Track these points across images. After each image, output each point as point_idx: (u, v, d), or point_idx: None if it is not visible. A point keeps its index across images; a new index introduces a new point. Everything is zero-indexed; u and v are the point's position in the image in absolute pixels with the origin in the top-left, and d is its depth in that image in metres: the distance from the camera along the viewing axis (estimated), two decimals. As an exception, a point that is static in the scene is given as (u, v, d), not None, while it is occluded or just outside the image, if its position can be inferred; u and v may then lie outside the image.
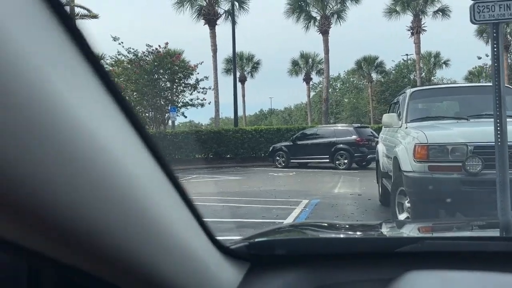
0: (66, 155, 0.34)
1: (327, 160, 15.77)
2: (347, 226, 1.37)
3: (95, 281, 0.49)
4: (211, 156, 20.18)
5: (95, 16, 22.05)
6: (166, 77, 21.07)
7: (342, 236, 1.23)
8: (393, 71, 42.24)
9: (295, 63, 40.16)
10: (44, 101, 0.32)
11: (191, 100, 21.84)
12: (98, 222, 0.39)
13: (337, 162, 15.59)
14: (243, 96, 40.68)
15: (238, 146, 20.02)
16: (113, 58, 20.85)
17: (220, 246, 0.72)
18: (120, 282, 0.50)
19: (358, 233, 1.33)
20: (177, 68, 20.78)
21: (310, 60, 39.41)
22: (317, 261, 0.86)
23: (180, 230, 0.55)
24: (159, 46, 20.56)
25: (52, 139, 0.33)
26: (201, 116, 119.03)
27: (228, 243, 0.80)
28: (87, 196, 0.37)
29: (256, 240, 0.95)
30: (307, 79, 40.15)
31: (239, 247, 0.83)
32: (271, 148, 17.94)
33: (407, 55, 41.20)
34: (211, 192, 10.03)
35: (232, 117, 24.11)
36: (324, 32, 27.46)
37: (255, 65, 40.63)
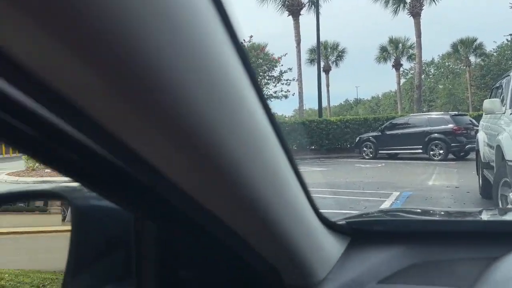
0: (252, 141, 0.43)
1: (420, 151, 14.88)
2: (442, 212, 1.29)
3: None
4: (295, 148, 20.17)
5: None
6: (251, 70, 21.45)
7: (440, 217, 1.19)
8: (494, 53, 38.56)
9: (383, 49, 38.43)
10: (241, 96, 0.40)
11: (275, 92, 22.03)
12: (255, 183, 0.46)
13: (431, 152, 14.63)
14: (327, 86, 40.00)
15: (323, 137, 19.73)
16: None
17: (323, 219, 0.75)
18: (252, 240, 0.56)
19: (457, 216, 1.28)
20: (261, 61, 21.05)
21: (400, 45, 37.41)
22: (417, 240, 0.86)
23: (300, 201, 0.60)
24: (244, 40, 20.98)
25: (247, 128, 0.42)
26: (284, 109, 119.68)
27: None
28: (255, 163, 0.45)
29: (357, 219, 0.98)
30: (397, 65, 38.17)
31: (341, 223, 0.86)
32: (357, 139, 17.40)
33: (511, 35, 37.21)
34: (296, 183, 9.99)
35: (316, 108, 23.84)
36: (416, 14, 25.84)
37: (340, 53, 39.66)
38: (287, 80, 21.92)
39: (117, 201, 0.52)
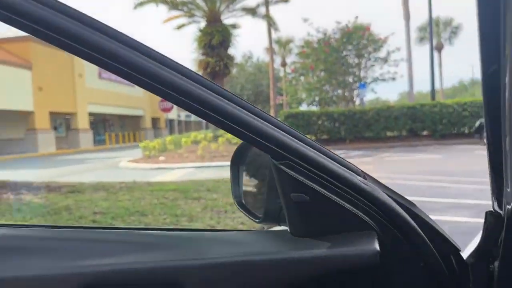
0: None
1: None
2: None
3: None
4: (405, 134, 18.84)
5: (286, 0, 23.04)
6: (354, 53, 20.52)
7: None
8: None
9: (506, 22, 34.02)
10: None
11: (381, 74, 20.78)
12: None
13: None
14: (440, 66, 36.72)
15: (436, 121, 18.10)
16: (304, 40, 21.47)
17: None
18: None
19: None
20: (366, 42, 19.99)
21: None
22: None
23: None
24: (349, 21, 20.13)
25: None
26: (388, 92, 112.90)
27: None
28: None
29: None
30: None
31: None
32: (478, 123, 15.57)
33: None
34: (410, 171, 9.24)
35: (424, 91, 22.01)
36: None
37: (454, 30, 36.06)
38: (394, 61, 20.51)
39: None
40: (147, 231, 1.00)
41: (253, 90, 41.30)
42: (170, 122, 30.05)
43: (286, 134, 0.74)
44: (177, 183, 7.88)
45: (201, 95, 0.68)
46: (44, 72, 25.02)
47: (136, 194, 6.72)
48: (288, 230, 0.81)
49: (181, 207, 5.51)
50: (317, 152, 0.76)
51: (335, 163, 0.77)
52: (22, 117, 24.63)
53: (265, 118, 0.74)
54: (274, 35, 34.43)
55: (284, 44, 43.58)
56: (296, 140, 0.75)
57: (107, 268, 0.77)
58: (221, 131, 19.69)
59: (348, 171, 0.78)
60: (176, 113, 41.02)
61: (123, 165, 14.47)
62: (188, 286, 0.75)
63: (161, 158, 15.33)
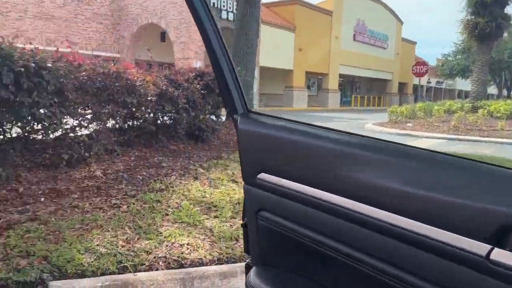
0: None
1: None
2: None
3: None
4: None
5: None
6: None
7: None
8: None
9: None
10: None
11: None
12: None
13: None
14: None
15: None
16: None
17: None
18: None
19: None
20: None
21: None
22: None
23: None
24: None
25: None
26: None
27: None
28: None
29: None
30: None
31: None
32: None
33: None
34: None
35: None
36: None
37: None
38: None
39: None
40: None
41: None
42: (418, 88, 28.19)
43: None
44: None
45: None
46: (305, 33, 27.14)
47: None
48: None
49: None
50: None
51: None
52: (283, 75, 27.70)
53: None
54: None
55: None
56: None
57: None
58: (483, 102, 17.23)
59: None
60: (426, 79, 38.37)
61: (369, 127, 14.55)
62: None
63: (409, 124, 14.66)
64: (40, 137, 4.32)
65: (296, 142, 1.28)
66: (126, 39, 22.75)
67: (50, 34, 19.88)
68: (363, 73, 35.56)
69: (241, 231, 3.04)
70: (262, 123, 1.44)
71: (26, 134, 4.17)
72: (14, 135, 4.10)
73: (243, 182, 1.50)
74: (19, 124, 3.98)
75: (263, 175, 1.38)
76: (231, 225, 3.41)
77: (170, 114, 5.87)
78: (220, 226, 3.34)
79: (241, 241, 3.07)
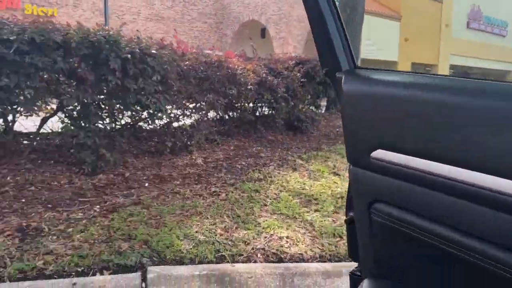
0: None
1: None
2: None
3: None
4: None
5: None
6: None
7: None
8: None
9: None
10: None
11: None
12: None
13: None
14: None
15: None
16: None
17: None
18: None
19: None
20: None
21: None
22: None
23: None
24: None
25: None
26: None
27: None
28: None
29: None
30: None
31: None
32: None
33: None
34: None
35: None
36: None
37: None
38: None
39: None
40: None
41: None
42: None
43: None
44: None
45: None
46: (411, 22, 25.32)
47: None
48: None
49: None
50: None
51: None
52: (386, 67, 26.22)
53: None
54: None
55: None
56: None
57: None
58: None
59: None
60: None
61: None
62: None
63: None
64: (146, 125, 4.47)
65: (431, 102, 0.90)
66: (228, 37, 23.48)
67: (160, 34, 21.31)
68: (478, 63, 32.15)
69: (345, 229, 2.73)
70: (377, 80, 1.07)
71: (134, 122, 4.34)
72: (123, 123, 4.28)
73: (348, 164, 1.12)
74: (128, 113, 4.15)
75: (379, 153, 1.00)
76: (333, 220, 3.13)
77: (268, 104, 5.75)
78: (321, 221, 3.08)
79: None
